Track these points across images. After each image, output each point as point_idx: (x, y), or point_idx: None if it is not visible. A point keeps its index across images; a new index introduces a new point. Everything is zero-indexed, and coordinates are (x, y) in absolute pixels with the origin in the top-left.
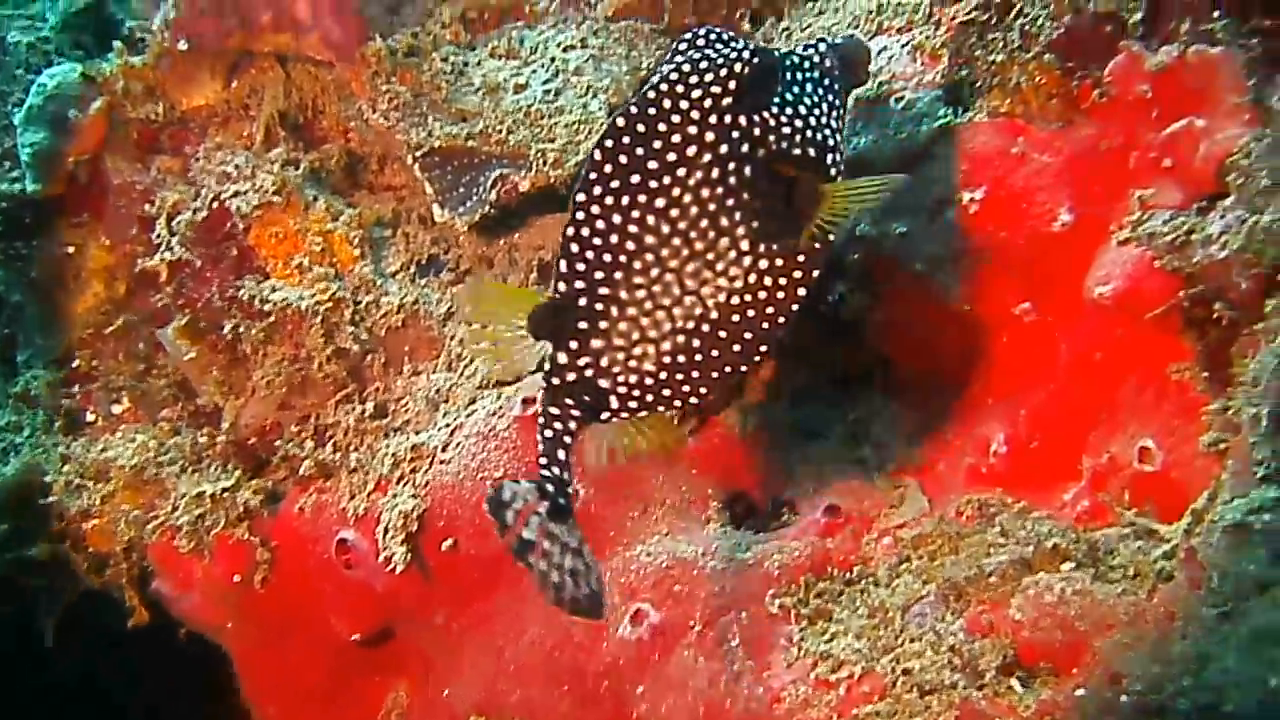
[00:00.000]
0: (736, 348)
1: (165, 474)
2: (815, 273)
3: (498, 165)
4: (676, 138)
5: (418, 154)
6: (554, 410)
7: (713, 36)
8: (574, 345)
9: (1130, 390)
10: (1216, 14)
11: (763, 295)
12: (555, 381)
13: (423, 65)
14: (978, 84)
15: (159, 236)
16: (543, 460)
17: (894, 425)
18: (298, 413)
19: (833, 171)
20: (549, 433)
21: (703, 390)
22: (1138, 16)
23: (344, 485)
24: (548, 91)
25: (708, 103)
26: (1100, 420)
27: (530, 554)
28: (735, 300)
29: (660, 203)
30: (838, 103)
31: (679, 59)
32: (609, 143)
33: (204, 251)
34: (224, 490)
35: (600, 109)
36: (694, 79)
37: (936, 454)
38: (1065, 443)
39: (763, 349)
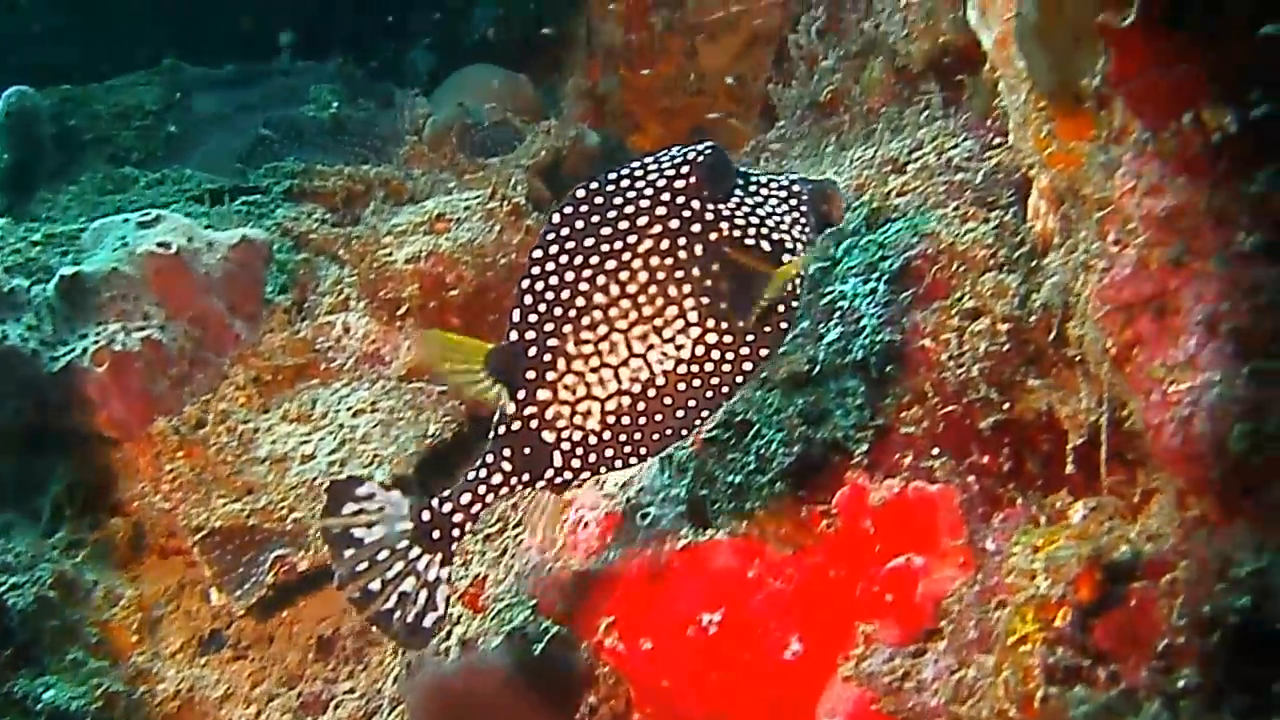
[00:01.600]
0: (680, 413)
1: None
2: (764, 351)
3: (278, 544)
4: (630, 209)
5: (198, 536)
6: (489, 458)
7: (679, 148)
8: (521, 395)
9: None
10: (935, 450)
11: (709, 367)
12: (500, 431)
13: (209, 439)
14: (717, 504)
15: None
16: (446, 492)
17: None
18: None
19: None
20: (471, 475)
21: (642, 452)
22: (864, 448)
23: None
24: (333, 462)
25: (662, 183)
26: None
27: (349, 548)
28: (681, 369)
29: (610, 265)
30: (803, 221)
31: (645, 157)
32: (568, 208)
33: None
34: None
35: (384, 479)
36: (652, 166)
37: None
38: None
39: (704, 414)
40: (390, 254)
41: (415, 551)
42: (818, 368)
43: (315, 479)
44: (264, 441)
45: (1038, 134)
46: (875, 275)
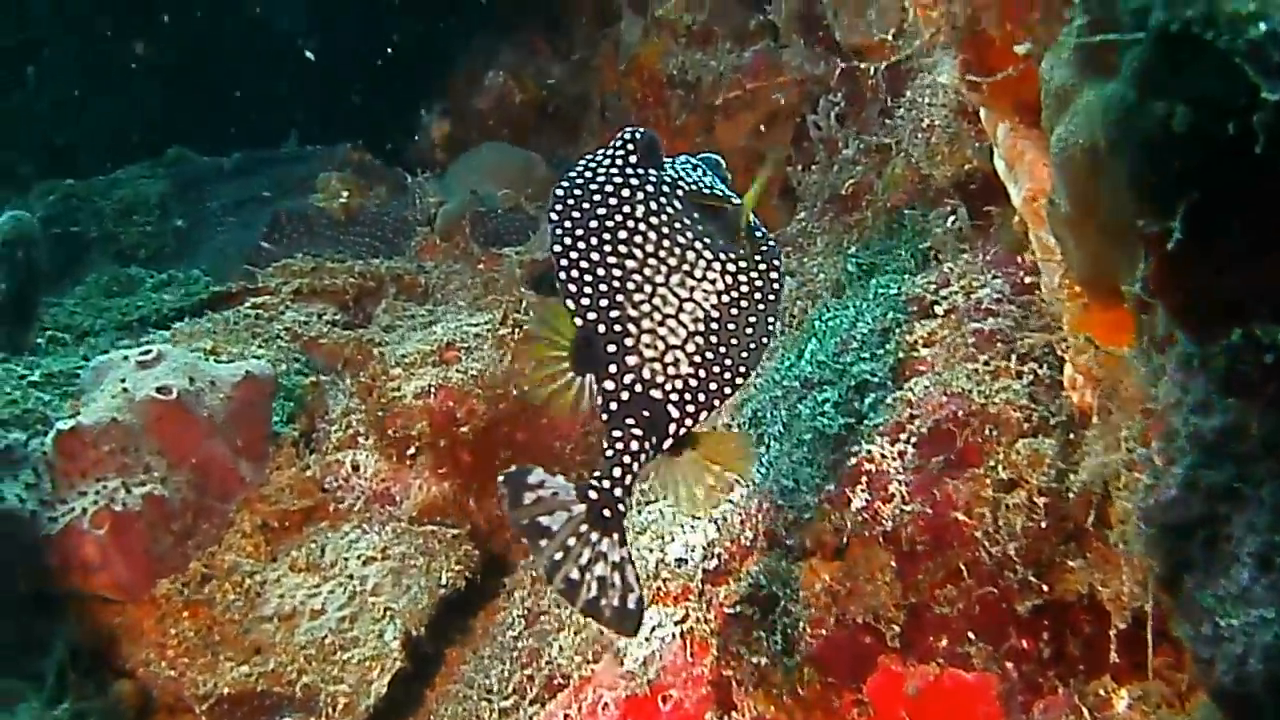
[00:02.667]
0: (749, 329)
1: None
2: (776, 262)
3: (287, 711)
4: (610, 187)
5: (205, 705)
6: (616, 432)
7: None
8: (613, 369)
9: None
10: (971, 634)
11: (745, 288)
12: (613, 407)
13: (215, 597)
14: (743, 686)
15: None
16: (597, 474)
17: None
18: None
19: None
20: (610, 452)
21: (743, 370)
22: (896, 629)
23: None
24: (343, 618)
25: (619, 163)
26: None
27: (543, 539)
28: (727, 297)
29: (623, 234)
30: (718, 178)
31: (580, 159)
32: (558, 207)
33: None
34: None
35: (395, 638)
36: (599, 156)
37: None
38: None
39: (771, 322)
40: (399, 388)
41: (595, 535)
42: (845, 538)
43: (325, 637)
44: (272, 595)
45: (1074, 323)
46: (904, 437)
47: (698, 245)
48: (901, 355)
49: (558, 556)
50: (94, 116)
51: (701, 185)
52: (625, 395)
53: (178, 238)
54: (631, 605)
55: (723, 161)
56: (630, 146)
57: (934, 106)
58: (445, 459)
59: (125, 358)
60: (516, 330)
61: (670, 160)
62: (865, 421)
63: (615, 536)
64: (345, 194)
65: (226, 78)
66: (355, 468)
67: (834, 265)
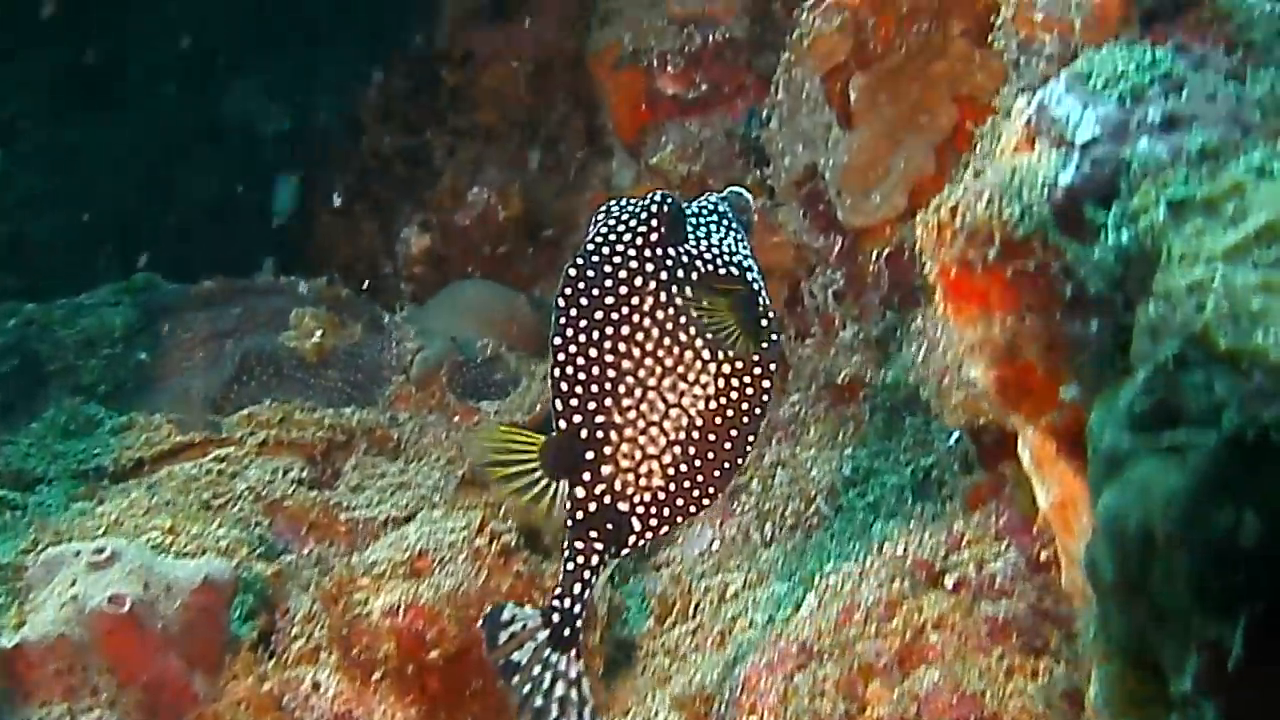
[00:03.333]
0: (728, 445)
1: None
2: (773, 365)
3: None
4: (623, 274)
5: None
6: (578, 544)
7: (625, 202)
8: (587, 477)
9: None
10: None
11: (734, 395)
12: (579, 516)
13: None
14: None
15: None
16: (558, 590)
17: None
18: None
19: (755, 286)
20: (570, 565)
21: (711, 491)
22: None
23: None
24: None
25: (639, 241)
26: None
27: (514, 676)
28: (713, 405)
29: (625, 330)
30: (741, 237)
31: (602, 222)
32: (567, 290)
33: None
34: None
35: None
36: (621, 228)
37: None
38: None
39: (750, 439)
40: (365, 601)
41: (555, 656)
42: None
43: None
44: None
45: (1108, 696)
46: None
47: (697, 343)
48: (909, 636)
49: (526, 689)
50: (56, 212)
51: (721, 255)
52: (593, 506)
53: (141, 373)
54: (587, 718)
55: (750, 200)
56: (654, 221)
57: (950, 353)
58: (412, 686)
59: (77, 553)
60: (494, 542)
61: (695, 214)
62: (868, 711)
63: (573, 653)
64: (319, 333)
65: (197, 183)
66: (316, 686)
67: (828, 463)
